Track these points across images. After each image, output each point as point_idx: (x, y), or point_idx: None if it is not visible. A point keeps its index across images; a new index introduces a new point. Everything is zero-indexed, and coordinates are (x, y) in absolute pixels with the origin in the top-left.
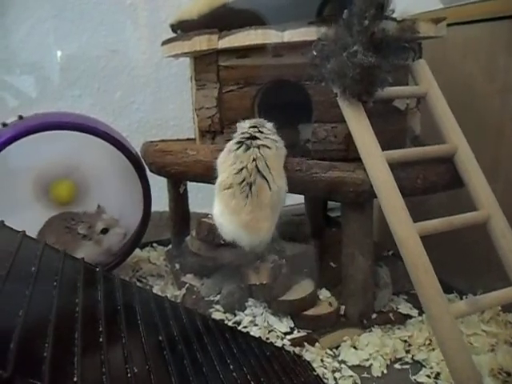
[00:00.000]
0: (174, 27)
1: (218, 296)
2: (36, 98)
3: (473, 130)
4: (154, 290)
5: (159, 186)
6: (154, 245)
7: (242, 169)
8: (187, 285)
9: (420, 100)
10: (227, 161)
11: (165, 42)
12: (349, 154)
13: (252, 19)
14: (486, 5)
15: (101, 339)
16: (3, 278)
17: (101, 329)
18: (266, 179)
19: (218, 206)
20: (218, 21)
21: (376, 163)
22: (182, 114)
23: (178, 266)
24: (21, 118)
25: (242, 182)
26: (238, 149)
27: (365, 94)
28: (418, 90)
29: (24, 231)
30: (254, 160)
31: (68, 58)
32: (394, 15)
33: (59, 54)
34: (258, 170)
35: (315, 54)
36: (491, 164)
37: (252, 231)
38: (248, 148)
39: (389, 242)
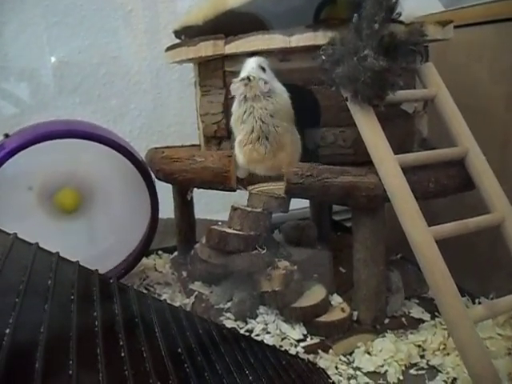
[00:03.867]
0: (178, 33)
1: (228, 304)
2: (36, 106)
3: (479, 132)
4: (162, 298)
5: (162, 193)
6: (160, 252)
7: (252, 129)
8: (196, 293)
9: (427, 103)
10: (238, 122)
11: (169, 48)
12: (357, 158)
13: (257, 24)
14: (490, 7)
15: (123, 354)
16: (22, 293)
17: (121, 343)
18: (277, 126)
19: (242, 160)
20: (224, 26)
21: (389, 168)
22: (184, 119)
23: (185, 273)
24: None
25: (258, 138)
26: (243, 113)
27: (376, 98)
28: (428, 93)
29: (37, 243)
30: (260, 119)
31: (68, 65)
32: (400, 18)
33: (59, 61)
34: (267, 124)
35: (324, 58)
36: (498, 166)
37: (277, 171)
38: (251, 112)
39: (396, 245)
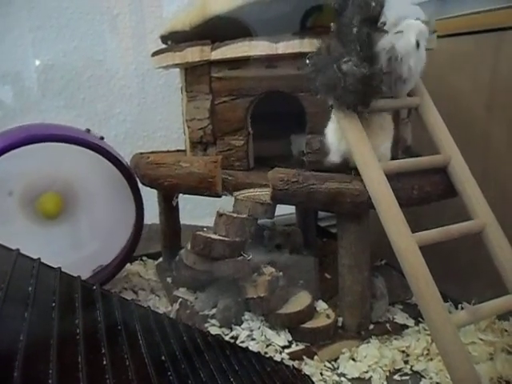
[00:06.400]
0: (165, 38)
1: (213, 310)
2: (19, 109)
3: (461, 141)
4: (147, 305)
5: (147, 198)
6: (144, 258)
7: None
8: (180, 299)
9: (411, 111)
10: None
11: (155, 53)
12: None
13: (244, 30)
14: (472, 18)
15: (104, 362)
16: (1, 300)
17: (103, 351)
18: None
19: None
20: (211, 32)
21: (374, 174)
22: (169, 124)
23: (169, 279)
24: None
25: None
26: None
27: (360, 105)
28: (412, 101)
29: (18, 249)
30: None
31: (53, 69)
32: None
33: (43, 64)
34: None
35: (309, 66)
36: (480, 173)
37: None
38: None
39: (380, 251)
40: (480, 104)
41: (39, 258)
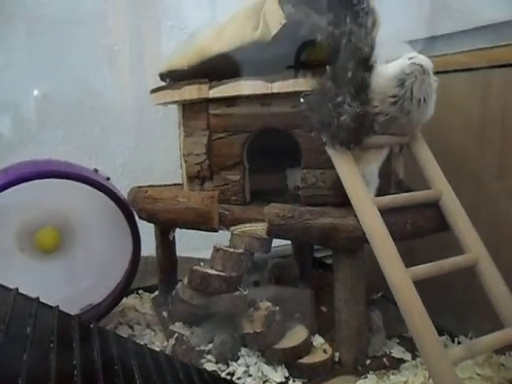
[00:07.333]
0: (163, 76)
1: (209, 345)
2: (18, 141)
3: (451, 176)
4: (143, 340)
5: (143, 230)
6: (140, 291)
7: None
8: (176, 334)
9: (403, 146)
10: None
11: (154, 91)
12: (337, 199)
13: (241, 69)
14: (461, 56)
15: None
16: (1, 342)
17: None
18: None
19: None
20: (208, 70)
21: (367, 210)
22: (167, 158)
23: (165, 313)
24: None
25: None
26: None
27: (353, 143)
28: (403, 137)
29: (17, 288)
30: None
31: (51, 101)
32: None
33: (42, 96)
34: None
35: (304, 104)
36: (470, 209)
37: None
38: None
39: (376, 283)
40: (470, 140)
41: (38, 298)
